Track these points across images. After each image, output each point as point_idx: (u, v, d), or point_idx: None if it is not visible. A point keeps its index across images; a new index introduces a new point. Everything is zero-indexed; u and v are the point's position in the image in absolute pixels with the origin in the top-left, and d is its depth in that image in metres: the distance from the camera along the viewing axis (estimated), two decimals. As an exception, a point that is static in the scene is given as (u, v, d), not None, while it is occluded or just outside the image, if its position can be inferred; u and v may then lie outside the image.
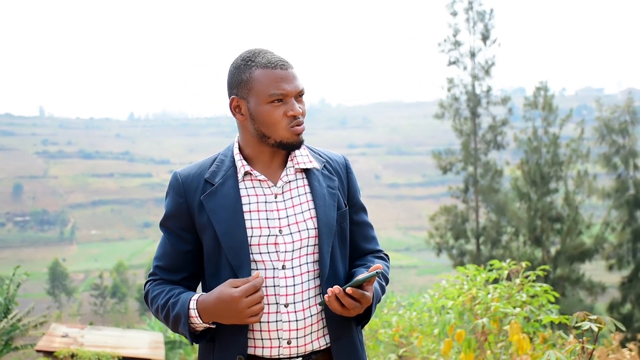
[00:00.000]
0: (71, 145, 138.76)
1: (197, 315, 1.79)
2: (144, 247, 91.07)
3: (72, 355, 13.61)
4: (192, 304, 1.80)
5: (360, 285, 1.77)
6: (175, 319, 1.82)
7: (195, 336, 1.85)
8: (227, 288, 1.76)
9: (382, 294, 1.99)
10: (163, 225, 1.95)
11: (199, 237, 1.91)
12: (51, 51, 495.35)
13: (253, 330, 1.85)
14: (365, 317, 1.93)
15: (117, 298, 53.50)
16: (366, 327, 4.75)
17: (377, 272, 1.74)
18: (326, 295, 1.77)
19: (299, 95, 1.86)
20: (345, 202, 2.00)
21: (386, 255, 2.11)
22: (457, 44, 26.68)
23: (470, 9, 26.60)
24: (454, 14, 26.77)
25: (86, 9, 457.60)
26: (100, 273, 58.33)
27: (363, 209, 2.08)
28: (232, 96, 1.88)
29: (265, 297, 1.84)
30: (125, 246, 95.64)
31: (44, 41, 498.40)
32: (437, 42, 26.97)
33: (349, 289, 1.74)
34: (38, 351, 15.09)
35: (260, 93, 1.82)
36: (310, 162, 1.95)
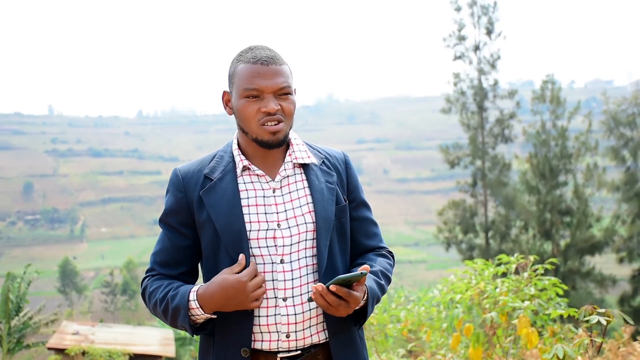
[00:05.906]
0: (80, 144, 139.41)
1: (198, 306, 1.79)
2: (153, 244, 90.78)
3: (83, 353, 13.71)
4: (192, 295, 1.80)
5: (349, 285, 1.74)
6: (174, 311, 1.81)
7: (195, 329, 1.85)
8: (229, 275, 1.77)
9: (383, 294, 1.96)
10: (162, 221, 1.98)
11: (198, 233, 1.92)
12: (60, 50, 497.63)
13: (252, 324, 1.85)
14: (362, 316, 1.90)
15: (128, 295, 53.66)
16: (375, 321, 4.76)
17: (363, 273, 1.70)
18: (311, 292, 1.76)
19: (279, 92, 1.84)
20: (345, 197, 1.99)
21: (390, 252, 2.09)
22: (461, 38, 26.65)
23: (474, 4, 26.55)
24: (458, 9, 26.74)
25: (95, 8, 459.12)
26: (110, 270, 58.59)
27: (364, 205, 2.06)
28: (225, 90, 1.93)
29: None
30: (135, 243, 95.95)
31: (53, 40, 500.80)
32: (442, 37, 26.98)
33: (332, 287, 1.71)
34: (49, 349, 15.25)
35: (238, 87, 1.85)
36: (309, 157, 1.96)
